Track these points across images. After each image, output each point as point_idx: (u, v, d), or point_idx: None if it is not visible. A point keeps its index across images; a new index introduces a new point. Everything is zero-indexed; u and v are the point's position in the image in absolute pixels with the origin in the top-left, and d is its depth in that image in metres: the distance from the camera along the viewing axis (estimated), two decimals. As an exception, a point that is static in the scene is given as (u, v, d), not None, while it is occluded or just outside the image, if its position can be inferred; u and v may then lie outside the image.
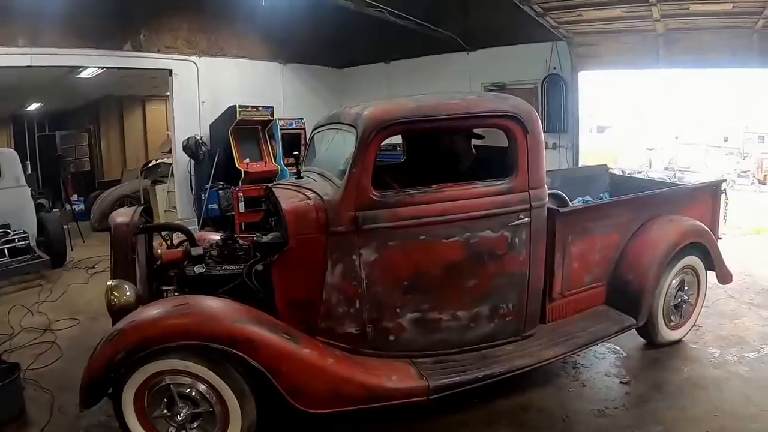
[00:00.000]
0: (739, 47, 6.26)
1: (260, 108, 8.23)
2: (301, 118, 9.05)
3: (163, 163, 9.02)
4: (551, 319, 3.46)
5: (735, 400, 3.26)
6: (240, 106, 7.90)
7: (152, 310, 2.65)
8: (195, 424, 2.67)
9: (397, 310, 2.98)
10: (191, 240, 3.39)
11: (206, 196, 7.81)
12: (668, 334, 3.80)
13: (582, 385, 3.52)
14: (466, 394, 2.95)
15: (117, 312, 2.80)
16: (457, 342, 3.12)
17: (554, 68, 8.18)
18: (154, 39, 7.82)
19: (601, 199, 4.60)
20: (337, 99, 10.60)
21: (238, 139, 8.11)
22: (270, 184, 3.57)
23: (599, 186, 4.92)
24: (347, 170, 2.83)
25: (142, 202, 8.55)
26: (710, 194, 4.08)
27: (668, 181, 5.58)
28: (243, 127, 8.10)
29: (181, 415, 2.62)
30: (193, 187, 8.38)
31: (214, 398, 2.62)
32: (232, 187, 7.57)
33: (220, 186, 7.82)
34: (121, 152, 11.95)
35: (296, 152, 3.17)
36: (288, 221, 2.84)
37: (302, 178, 3.43)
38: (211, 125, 8.41)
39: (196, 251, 3.26)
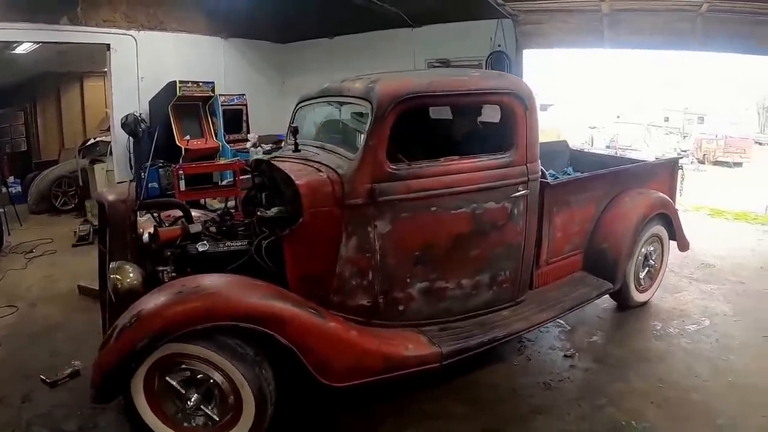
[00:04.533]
0: (684, 30, 6.34)
1: (201, 84, 8.07)
2: (243, 94, 8.89)
3: (102, 141, 8.50)
4: (537, 285, 3.66)
5: (678, 372, 3.39)
6: (180, 82, 7.70)
7: (171, 293, 2.51)
8: (207, 410, 2.58)
9: (408, 281, 3.05)
10: (188, 216, 3.25)
11: (146, 174, 7.47)
12: (638, 296, 4.15)
13: (527, 359, 3.62)
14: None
15: (123, 296, 2.64)
16: (460, 309, 3.24)
17: (499, 45, 8.11)
18: (91, 12, 7.32)
19: (565, 173, 4.87)
20: (280, 75, 10.41)
21: (179, 116, 7.93)
22: (267, 157, 3.48)
23: (561, 161, 5.19)
24: (363, 143, 2.84)
25: (80, 182, 8.02)
26: (668, 170, 4.46)
27: (626, 157, 5.91)
28: (183, 104, 7.90)
29: (191, 401, 2.54)
30: (133, 165, 7.98)
31: (227, 385, 2.52)
32: (173, 165, 7.31)
33: (161, 164, 7.53)
34: (59, 131, 11.23)
35: (294, 125, 3.08)
36: (303, 195, 2.79)
37: (299, 151, 3.38)
38: (150, 101, 8.07)
39: (195, 228, 3.13)
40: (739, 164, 19.32)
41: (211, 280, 2.63)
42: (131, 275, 2.71)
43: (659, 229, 4.15)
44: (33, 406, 3.06)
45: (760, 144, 21.47)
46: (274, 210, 3.08)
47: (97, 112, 10.93)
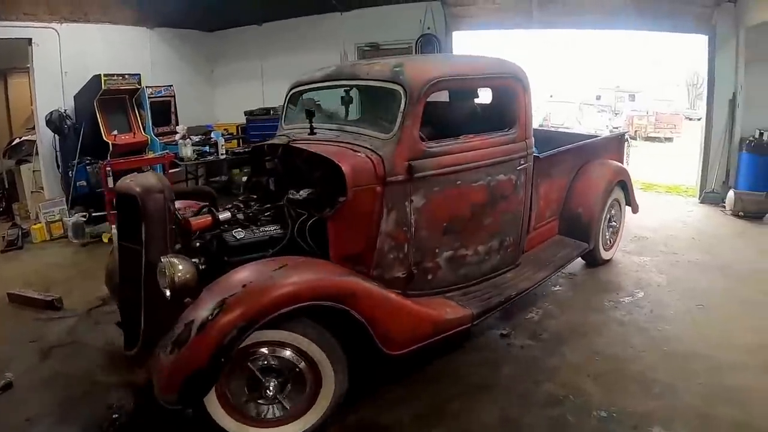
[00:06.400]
0: (615, 8, 6.44)
1: (126, 76, 7.69)
2: (171, 85, 8.59)
3: (27, 140, 7.80)
4: (526, 250, 4.05)
5: (614, 344, 3.46)
6: (105, 75, 7.31)
7: (247, 280, 2.48)
8: (284, 396, 2.61)
9: (437, 250, 3.31)
10: (214, 204, 3.22)
11: (74, 173, 7.13)
12: (605, 254, 4.73)
13: (465, 338, 3.59)
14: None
15: (178, 290, 2.54)
16: (476, 274, 3.57)
17: (428, 28, 8.19)
18: (11, 5, 6.73)
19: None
20: (208, 63, 10.13)
21: (105, 110, 7.52)
22: (283, 142, 3.49)
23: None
24: (399, 124, 3.02)
25: (6, 185, 7.32)
26: (617, 143, 5.09)
27: (575, 132, 6.28)
28: (109, 97, 7.52)
29: (270, 390, 2.55)
30: (60, 164, 7.52)
31: (303, 365, 2.58)
32: (101, 162, 6.98)
33: (88, 161, 7.22)
34: (-16, 132, 9.93)
35: (310, 109, 3.11)
36: (347, 175, 2.88)
37: (315, 134, 3.48)
38: (75, 96, 7.58)
39: (224, 216, 3.11)
40: (670, 139, 20.25)
41: (282, 264, 2.63)
42: (182, 269, 2.57)
43: (619, 195, 4.76)
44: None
45: (690, 119, 22.48)
46: (304, 192, 3.18)
47: (23, 111, 9.94)
